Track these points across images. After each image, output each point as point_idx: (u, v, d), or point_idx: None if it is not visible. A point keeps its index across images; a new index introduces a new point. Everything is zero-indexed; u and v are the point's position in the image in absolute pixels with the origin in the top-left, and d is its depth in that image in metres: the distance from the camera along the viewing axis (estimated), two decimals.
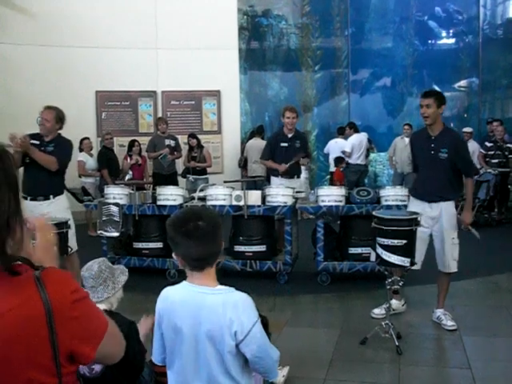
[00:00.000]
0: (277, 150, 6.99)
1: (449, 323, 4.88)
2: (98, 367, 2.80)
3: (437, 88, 13.52)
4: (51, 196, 5.43)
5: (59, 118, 5.43)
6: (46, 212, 5.13)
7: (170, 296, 2.21)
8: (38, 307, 1.23)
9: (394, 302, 5.20)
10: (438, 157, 4.82)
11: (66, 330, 1.27)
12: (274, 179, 7.09)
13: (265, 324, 3.42)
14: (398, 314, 5.18)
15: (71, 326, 1.29)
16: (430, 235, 4.97)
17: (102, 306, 2.88)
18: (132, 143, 10.02)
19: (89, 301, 1.39)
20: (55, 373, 1.27)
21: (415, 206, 4.97)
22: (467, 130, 11.27)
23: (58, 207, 5.42)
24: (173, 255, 2.22)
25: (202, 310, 2.11)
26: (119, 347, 1.51)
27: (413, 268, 4.89)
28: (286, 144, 6.96)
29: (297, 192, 6.70)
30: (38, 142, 5.42)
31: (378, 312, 5.14)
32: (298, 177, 7.25)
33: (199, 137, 10.29)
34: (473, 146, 10.63)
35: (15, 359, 1.21)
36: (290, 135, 6.99)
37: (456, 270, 4.95)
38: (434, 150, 4.85)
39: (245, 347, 2.09)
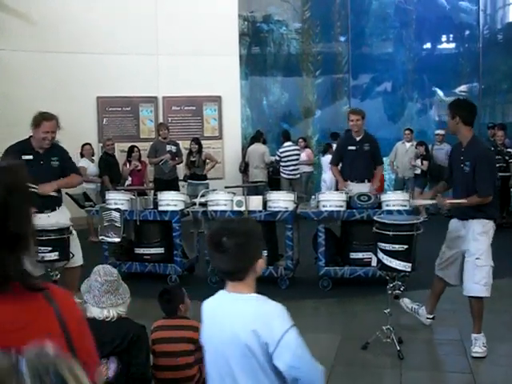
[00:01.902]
0: (345, 153, 6.87)
1: (474, 349, 4.45)
2: (111, 371, 2.86)
3: (439, 92, 13.61)
4: (57, 207, 5.25)
5: (58, 124, 5.02)
6: (54, 221, 5.00)
7: (205, 306, 2.22)
8: (53, 321, 1.17)
9: (421, 313, 5.09)
10: (464, 170, 4.59)
11: (80, 346, 1.20)
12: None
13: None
14: (399, 319, 5.12)
15: (83, 341, 1.22)
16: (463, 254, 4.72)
17: (120, 310, 3.01)
18: (131, 149, 10.01)
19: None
20: None
21: (452, 224, 4.77)
22: None
23: (64, 216, 5.33)
24: None
25: (230, 316, 2.09)
26: None
27: (452, 283, 4.85)
28: (353, 147, 6.79)
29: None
30: (31, 157, 4.89)
31: (408, 302, 5.14)
32: (369, 181, 6.92)
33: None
34: None
35: None
36: (358, 138, 6.83)
37: (473, 295, 4.56)
38: (462, 162, 4.59)
39: (277, 359, 1.93)
